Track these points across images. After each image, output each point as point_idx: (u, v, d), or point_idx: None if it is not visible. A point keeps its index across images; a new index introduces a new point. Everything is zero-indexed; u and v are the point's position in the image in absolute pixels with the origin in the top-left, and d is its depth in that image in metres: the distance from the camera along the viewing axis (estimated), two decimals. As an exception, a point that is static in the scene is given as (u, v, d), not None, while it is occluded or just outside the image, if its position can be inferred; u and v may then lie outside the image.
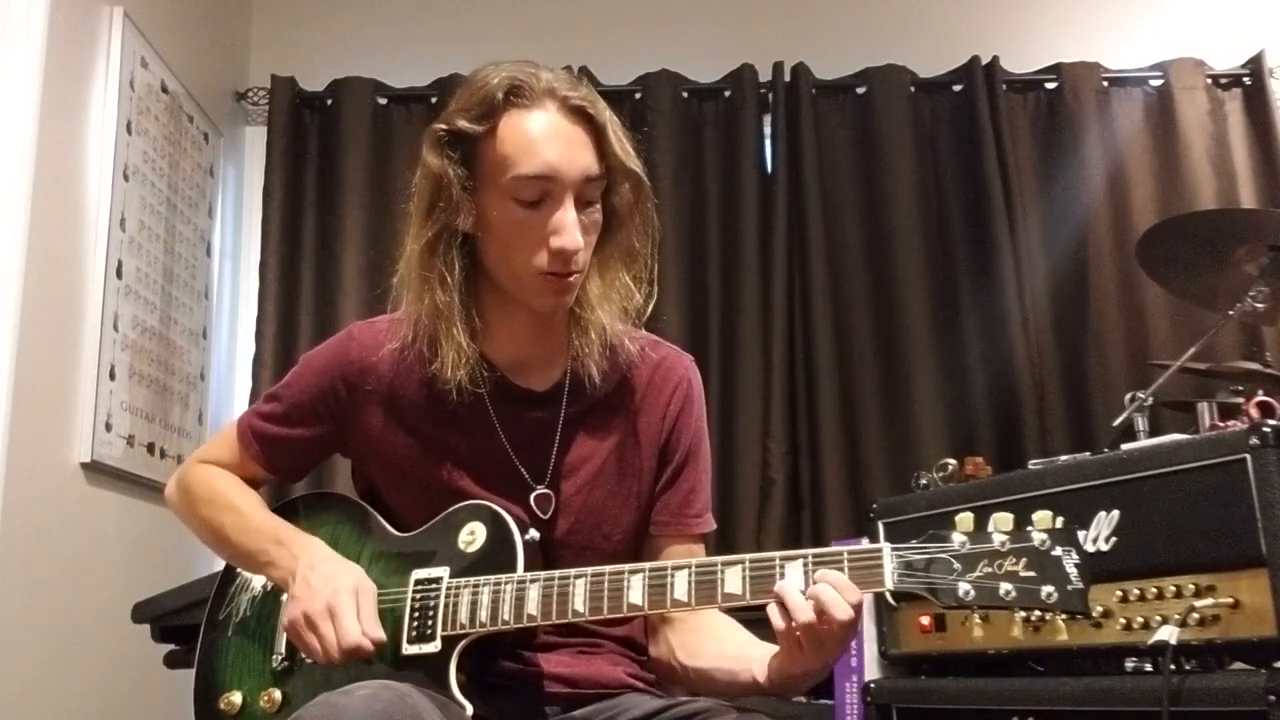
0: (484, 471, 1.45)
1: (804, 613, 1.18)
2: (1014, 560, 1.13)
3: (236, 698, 1.44)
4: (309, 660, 1.38)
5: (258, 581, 1.50)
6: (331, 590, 1.33)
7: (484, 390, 1.44)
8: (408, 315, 1.45)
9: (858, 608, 1.19)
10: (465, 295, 1.42)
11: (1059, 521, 1.14)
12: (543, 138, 1.36)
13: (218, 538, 1.51)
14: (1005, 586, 1.14)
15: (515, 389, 1.47)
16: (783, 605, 1.20)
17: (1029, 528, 1.15)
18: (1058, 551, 1.13)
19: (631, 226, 1.45)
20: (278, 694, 1.41)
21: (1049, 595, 1.12)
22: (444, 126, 1.41)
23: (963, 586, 1.15)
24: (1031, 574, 1.13)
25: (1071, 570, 1.12)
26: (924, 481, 2.17)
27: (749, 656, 1.36)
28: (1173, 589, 1.64)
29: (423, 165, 1.42)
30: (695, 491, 1.54)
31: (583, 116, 1.38)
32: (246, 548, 1.46)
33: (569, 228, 1.35)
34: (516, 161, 1.35)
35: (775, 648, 1.29)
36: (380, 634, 1.32)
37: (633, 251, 1.46)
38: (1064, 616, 1.15)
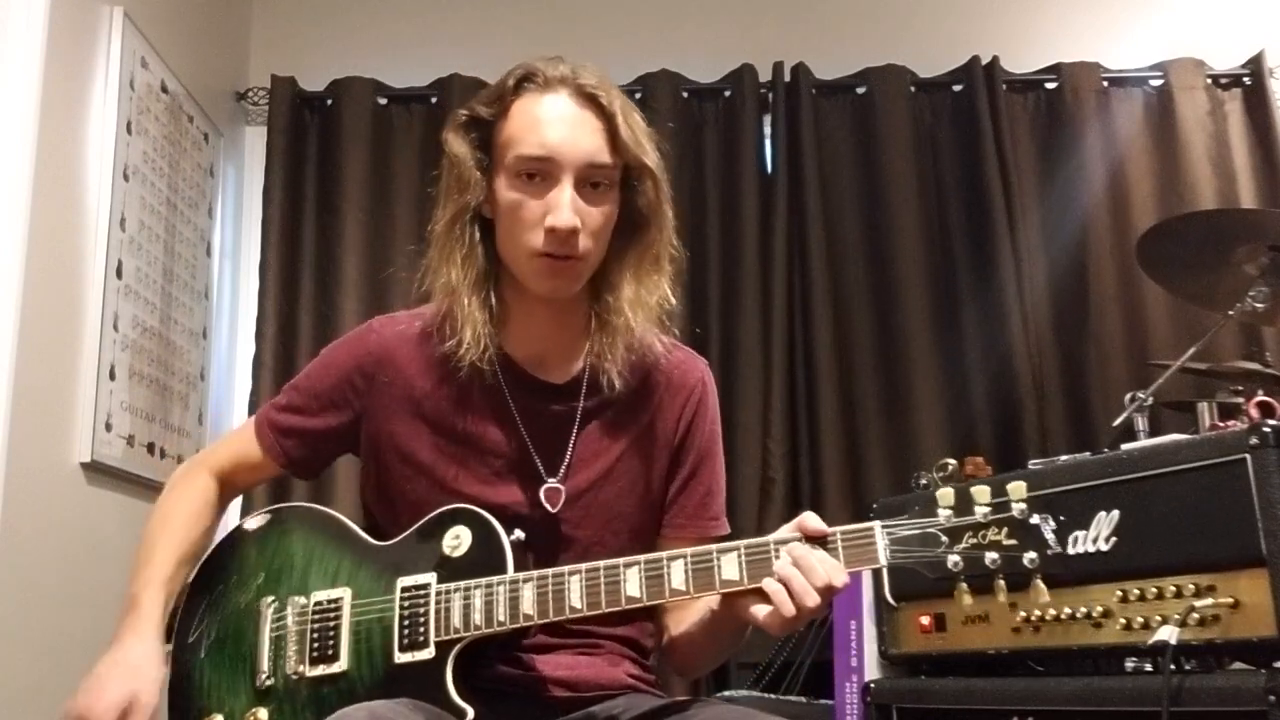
0: (498, 462, 1.45)
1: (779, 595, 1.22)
2: (996, 530, 1.20)
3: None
4: (295, 676, 1.38)
5: (229, 600, 1.47)
6: (91, 699, 1.33)
7: (502, 380, 1.46)
8: (434, 298, 1.47)
9: (828, 589, 1.22)
10: (483, 277, 1.44)
11: (1034, 491, 1.21)
12: (546, 119, 1.39)
13: (137, 551, 1.50)
14: (991, 555, 1.20)
15: (534, 381, 1.48)
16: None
17: (1007, 499, 1.20)
18: (1035, 519, 1.19)
19: (658, 226, 1.46)
20: (263, 713, 1.39)
21: (1031, 561, 1.19)
22: (464, 112, 1.46)
23: (951, 558, 1.21)
24: (1014, 542, 1.19)
25: (1050, 536, 1.19)
26: (924, 481, 2.17)
27: (708, 602, 1.39)
28: (1173, 589, 1.64)
29: (445, 149, 1.46)
30: (712, 494, 1.56)
31: (595, 104, 1.40)
32: (130, 579, 1.46)
33: (562, 206, 1.37)
34: (519, 141, 1.39)
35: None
36: None
37: (663, 253, 1.47)
38: (1043, 592, 1.21)
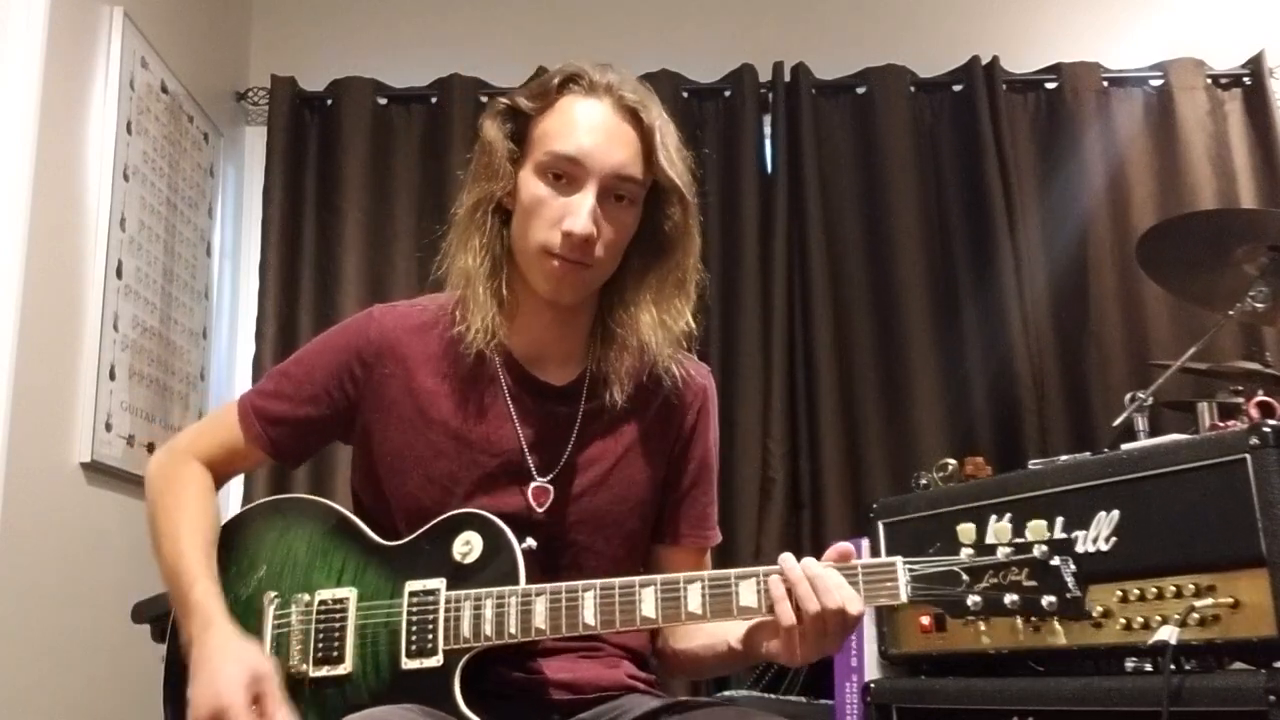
0: (493, 461, 1.44)
1: (812, 604, 1.21)
2: (1016, 571, 1.19)
3: None
4: (298, 676, 1.36)
5: (229, 594, 1.43)
6: (217, 691, 1.27)
7: (502, 376, 1.45)
8: (449, 282, 1.46)
9: (839, 613, 1.22)
10: (497, 268, 1.43)
11: (1055, 530, 1.20)
12: (584, 123, 1.39)
13: (156, 554, 1.46)
14: (1010, 597, 1.19)
15: (534, 380, 1.47)
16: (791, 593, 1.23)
17: (1029, 538, 1.19)
18: (1056, 561, 1.18)
19: (684, 250, 1.45)
20: None
21: (1050, 604, 1.18)
22: (505, 101, 1.45)
23: (971, 598, 1.21)
24: (1033, 584, 1.19)
25: (1069, 579, 1.18)
26: (924, 481, 2.17)
27: (728, 628, 1.39)
28: (1173, 589, 1.64)
29: (479, 134, 1.46)
30: (712, 504, 1.56)
31: (634, 118, 1.40)
32: (170, 584, 1.42)
33: (582, 212, 1.36)
34: (554, 137, 1.39)
35: (750, 623, 1.33)
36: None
37: (688, 279, 1.46)
38: (1065, 627, 1.21)
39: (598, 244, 1.38)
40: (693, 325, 1.46)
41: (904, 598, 1.21)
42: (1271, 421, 1.58)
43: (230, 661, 1.29)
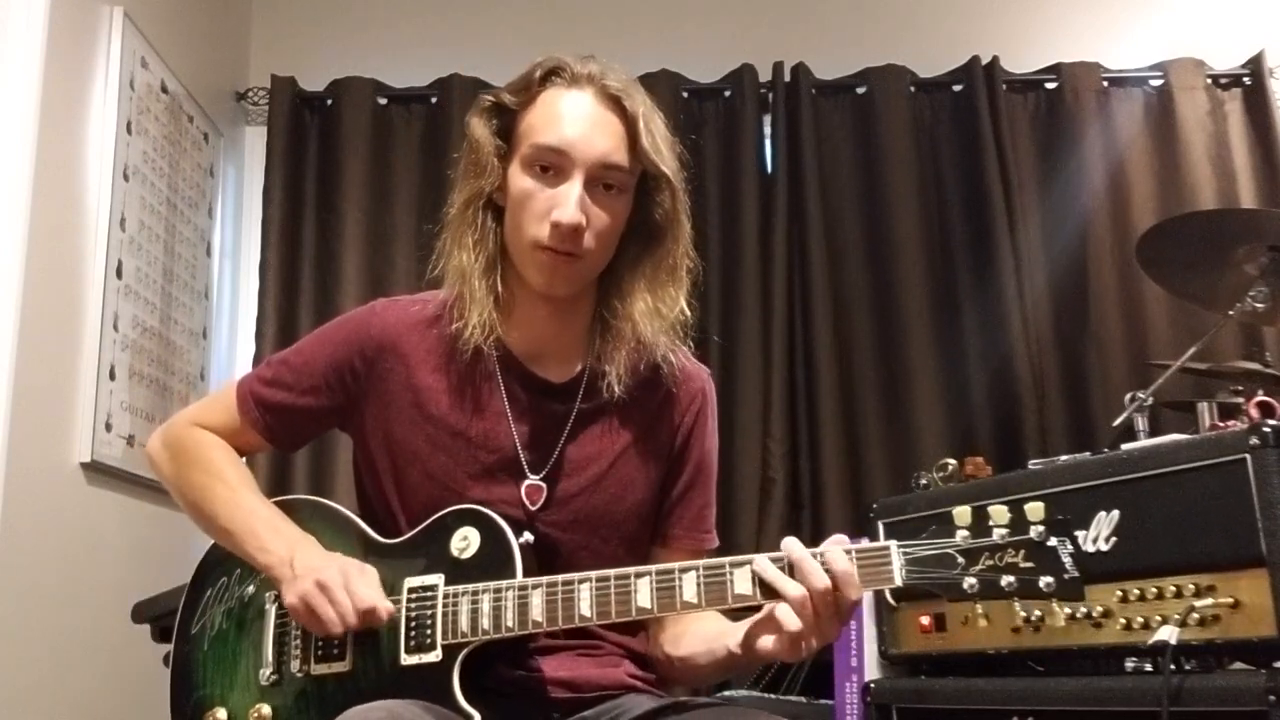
0: (488, 457, 1.44)
1: (819, 579, 1.20)
2: (1013, 552, 1.17)
3: (222, 714, 1.42)
4: (300, 674, 1.37)
5: (233, 593, 1.47)
6: (340, 563, 1.34)
7: (499, 373, 1.45)
8: (446, 281, 1.46)
9: (831, 593, 1.21)
10: (492, 264, 1.43)
11: (1053, 513, 1.18)
12: (567, 114, 1.39)
13: (204, 510, 1.47)
14: (1007, 579, 1.18)
15: (531, 376, 1.47)
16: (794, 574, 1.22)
17: (1027, 520, 1.18)
18: (1053, 542, 1.17)
19: (674, 237, 1.45)
20: (267, 709, 1.39)
21: (1047, 585, 1.16)
22: (490, 97, 1.45)
23: (967, 581, 1.19)
24: (1030, 565, 1.17)
25: (1067, 560, 1.16)
26: (924, 481, 2.17)
27: (724, 632, 1.38)
28: (1173, 589, 1.64)
29: (466, 131, 1.46)
30: (708, 506, 1.55)
31: (618, 106, 1.40)
32: (238, 527, 1.43)
33: (569, 202, 1.36)
34: (537, 130, 1.39)
35: (748, 624, 1.31)
36: (391, 606, 1.33)
37: (680, 265, 1.46)
38: (1064, 609, 1.18)
39: (587, 234, 1.38)
40: (688, 313, 1.46)
41: (898, 580, 1.20)
42: (1271, 421, 1.58)
43: (342, 556, 1.38)
